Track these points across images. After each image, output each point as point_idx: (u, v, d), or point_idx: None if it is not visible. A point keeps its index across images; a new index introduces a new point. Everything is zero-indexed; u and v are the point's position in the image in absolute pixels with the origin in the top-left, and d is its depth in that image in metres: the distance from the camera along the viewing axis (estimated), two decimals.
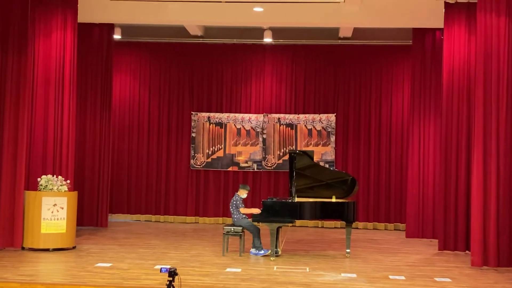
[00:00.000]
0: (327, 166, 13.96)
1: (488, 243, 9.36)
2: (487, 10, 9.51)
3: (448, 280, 8.49)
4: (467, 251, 10.54)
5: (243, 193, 10.32)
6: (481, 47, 9.51)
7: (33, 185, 10.49)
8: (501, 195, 9.33)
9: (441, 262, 9.93)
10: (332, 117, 14.53)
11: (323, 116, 14.56)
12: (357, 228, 13.74)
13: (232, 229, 10.06)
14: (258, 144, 14.71)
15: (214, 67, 14.91)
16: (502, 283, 8.39)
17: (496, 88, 9.41)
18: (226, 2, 10.47)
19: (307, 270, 8.96)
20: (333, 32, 14.15)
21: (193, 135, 14.83)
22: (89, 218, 12.97)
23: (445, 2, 10.88)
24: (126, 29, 14.16)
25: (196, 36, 14.53)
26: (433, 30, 12.49)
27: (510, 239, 9.38)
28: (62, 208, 10.17)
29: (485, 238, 9.38)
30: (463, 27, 10.89)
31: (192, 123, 14.86)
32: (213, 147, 14.79)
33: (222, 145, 14.78)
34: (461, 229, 10.78)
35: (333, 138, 14.51)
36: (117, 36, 13.89)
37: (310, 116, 14.61)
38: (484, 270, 9.28)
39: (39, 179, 10.37)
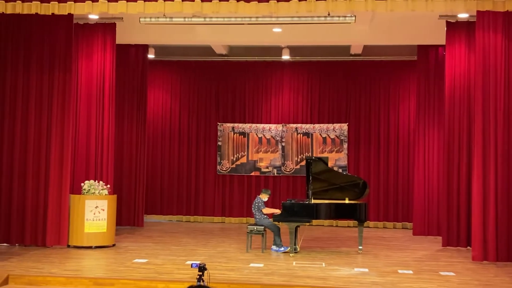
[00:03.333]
0: (340, 170, 13.94)
1: (488, 239, 9.31)
2: (485, 29, 9.48)
3: (452, 274, 8.45)
4: (468, 247, 10.46)
5: (264, 197, 10.36)
6: (479, 63, 9.49)
7: (77, 190, 10.62)
8: (499, 196, 9.28)
9: (445, 257, 9.88)
10: (344, 126, 14.52)
11: (336, 126, 14.56)
12: (368, 227, 13.68)
13: (255, 228, 10.10)
14: (277, 151, 14.74)
15: (238, 82, 14.98)
16: (501, 276, 8.34)
17: (494, 100, 9.38)
18: (248, 24, 10.51)
19: (323, 265, 8.97)
20: (345, 49, 14.15)
21: (219, 143, 14.90)
22: (126, 218, 13.07)
23: (446, 21, 10.85)
24: (159, 49, 14.28)
25: (221, 55, 14.62)
26: (436, 46, 12.44)
27: (508, 236, 9.33)
28: (103, 210, 10.28)
29: (485, 235, 9.33)
30: (463, 44, 10.85)
31: (218, 133, 14.93)
32: (237, 154, 14.85)
33: (245, 153, 14.83)
34: (463, 227, 10.72)
35: (345, 145, 14.50)
36: (151, 56, 14.00)
37: (324, 126, 14.61)
38: (484, 264, 9.22)
39: (82, 184, 10.48)
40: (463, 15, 10.53)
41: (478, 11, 9.23)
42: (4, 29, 9.71)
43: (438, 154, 12.39)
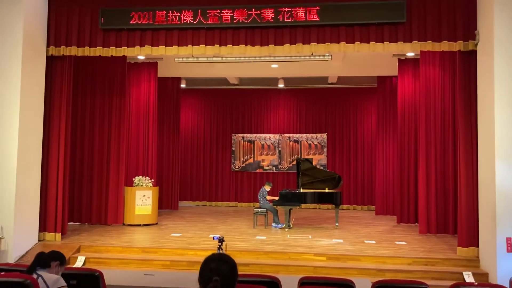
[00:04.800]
0: (322, 168, 13.94)
1: (430, 217, 9.31)
2: (427, 63, 9.51)
3: (404, 243, 8.44)
4: (416, 223, 10.44)
5: (268, 188, 10.36)
6: (423, 89, 9.50)
7: (129, 183, 10.67)
8: (438, 186, 9.28)
9: (399, 231, 9.87)
10: (324, 135, 14.52)
11: (318, 135, 14.55)
12: (342, 209, 13.65)
13: (259, 210, 10.12)
14: (275, 154, 14.74)
15: (246, 104, 14.99)
16: (440, 244, 8.34)
17: (433, 115, 9.39)
18: (253, 61, 10.57)
19: (310, 237, 8.98)
20: (324, 79, 14.16)
21: (233, 148, 14.91)
22: (166, 203, 13.07)
23: (398, 58, 10.88)
24: (189, 80, 14.33)
25: (234, 84, 14.66)
26: (391, 77, 12.45)
27: (444, 215, 9.32)
28: (149, 198, 10.32)
29: (428, 214, 9.32)
30: (411, 75, 10.87)
31: (232, 141, 14.94)
32: (246, 156, 14.85)
33: (252, 155, 14.84)
34: (411, 208, 10.70)
35: (325, 149, 14.49)
36: (183, 85, 14.04)
37: (309, 135, 14.61)
38: (428, 236, 9.21)
39: (133, 179, 10.54)
40: (410, 54, 10.56)
41: (421, 51, 9.25)
42: (76, 67, 9.78)
43: (393, 155, 12.39)
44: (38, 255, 3.65)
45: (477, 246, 7.37)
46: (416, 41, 7.45)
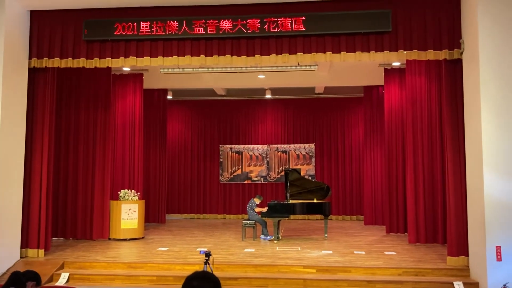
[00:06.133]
0: (310, 178, 13.86)
1: (419, 227, 9.26)
2: (413, 73, 9.52)
3: (394, 253, 8.36)
4: (405, 233, 10.38)
5: (257, 201, 10.23)
6: (409, 97, 9.51)
7: (115, 196, 10.47)
8: (426, 195, 9.24)
9: (388, 241, 9.79)
10: (312, 145, 14.47)
11: (306, 145, 14.50)
12: (331, 219, 13.58)
13: (248, 222, 9.97)
14: (263, 165, 14.64)
15: (233, 115, 14.91)
16: (430, 254, 8.27)
17: (420, 123, 9.39)
18: (240, 72, 10.49)
19: (299, 249, 8.85)
20: (311, 89, 14.18)
21: (221, 160, 14.78)
22: (153, 216, 12.87)
23: (384, 68, 10.90)
24: (175, 92, 14.23)
25: (221, 95, 14.59)
26: (377, 86, 12.48)
27: (433, 224, 9.27)
28: (135, 211, 10.12)
29: (417, 224, 9.28)
30: (397, 84, 10.88)
31: (220, 152, 14.82)
32: (234, 167, 14.73)
33: (240, 166, 14.72)
34: (401, 218, 10.65)
35: (313, 159, 14.43)
36: (169, 97, 13.94)
37: (297, 145, 14.55)
38: (417, 245, 9.15)
39: (119, 192, 10.34)
40: (396, 64, 10.59)
41: (407, 60, 9.29)
42: (60, 79, 9.62)
43: (381, 165, 12.36)
44: (12, 274, 3.47)
45: (467, 255, 7.31)
46: (402, 50, 7.43)
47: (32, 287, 3.44)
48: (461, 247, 7.36)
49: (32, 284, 3.46)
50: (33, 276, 3.52)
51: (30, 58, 8.13)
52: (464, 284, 6.76)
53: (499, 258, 6.45)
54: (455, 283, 6.77)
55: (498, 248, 6.47)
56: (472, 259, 7.12)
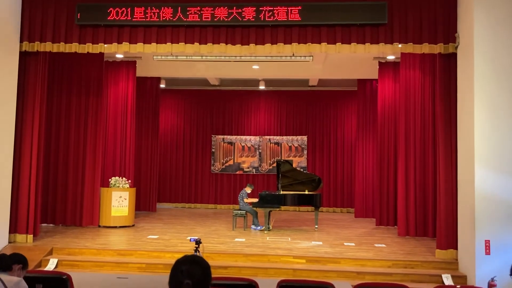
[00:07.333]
0: (302, 170, 13.85)
1: (409, 220, 9.29)
2: (407, 67, 9.49)
3: (384, 245, 8.38)
4: (395, 226, 10.41)
5: (248, 190, 10.22)
6: (403, 91, 9.49)
7: (106, 184, 10.38)
8: (417, 188, 9.26)
9: (378, 233, 9.82)
10: (304, 137, 14.44)
11: (299, 137, 14.47)
12: (322, 211, 13.60)
13: (239, 212, 9.95)
14: (255, 156, 14.60)
15: (227, 105, 14.82)
16: (420, 247, 8.31)
17: (413, 117, 9.39)
18: (234, 61, 10.40)
19: (289, 239, 8.85)
20: (305, 81, 14.13)
21: (213, 150, 14.72)
22: (143, 205, 12.79)
23: (379, 61, 10.86)
24: (168, 80, 14.09)
25: (214, 85, 14.49)
26: (371, 80, 12.46)
27: (423, 217, 9.30)
28: (125, 199, 10.06)
29: (407, 217, 9.30)
30: (391, 78, 10.86)
31: (212, 142, 14.75)
32: (226, 158, 14.67)
33: (232, 157, 14.66)
34: (391, 211, 10.68)
35: (305, 152, 14.42)
36: (162, 85, 13.80)
37: (290, 137, 14.52)
38: (407, 238, 9.18)
39: (110, 179, 10.26)
40: (390, 57, 10.55)
41: (402, 53, 9.26)
42: (52, 64, 9.48)
43: (372, 158, 12.38)
44: None
45: (456, 248, 7.34)
46: (397, 43, 7.40)
47: (18, 270, 3.38)
48: (450, 240, 7.39)
49: (18, 267, 3.39)
50: (20, 259, 3.46)
51: (21, 41, 7.97)
52: (453, 277, 6.79)
53: (487, 252, 6.48)
54: (443, 275, 6.81)
55: (487, 242, 6.50)
56: (461, 253, 7.15)
